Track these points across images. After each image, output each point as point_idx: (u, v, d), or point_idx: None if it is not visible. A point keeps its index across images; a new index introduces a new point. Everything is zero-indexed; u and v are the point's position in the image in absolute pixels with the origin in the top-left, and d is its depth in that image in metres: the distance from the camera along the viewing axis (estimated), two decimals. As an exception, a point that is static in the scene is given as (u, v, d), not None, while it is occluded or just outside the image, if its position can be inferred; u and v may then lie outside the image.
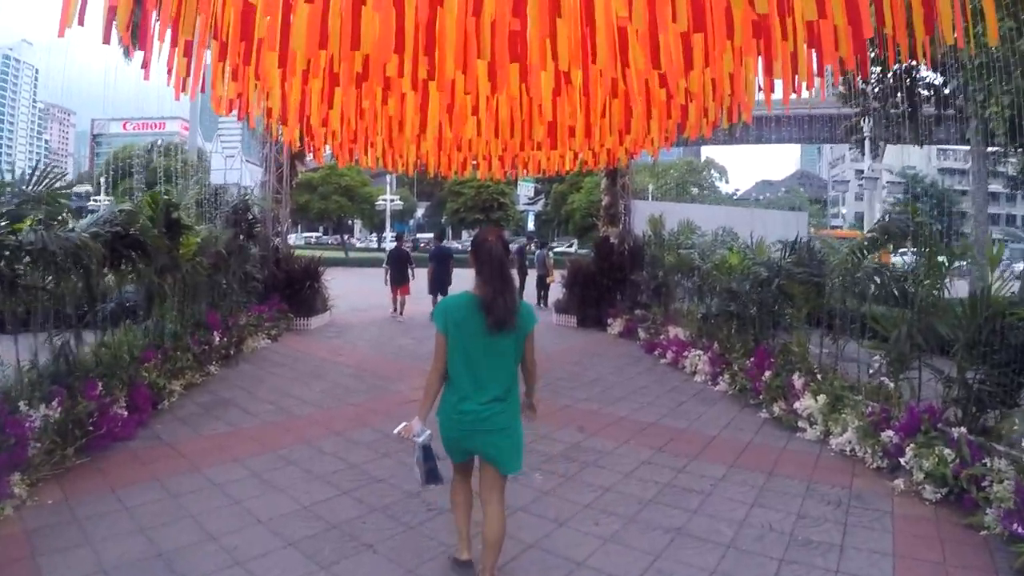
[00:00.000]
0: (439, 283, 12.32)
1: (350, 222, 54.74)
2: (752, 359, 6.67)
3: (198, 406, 5.84)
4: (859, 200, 76.54)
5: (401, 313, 12.55)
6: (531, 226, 56.82)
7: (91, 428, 4.44)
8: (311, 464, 4.45)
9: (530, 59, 4.01)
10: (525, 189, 61.26)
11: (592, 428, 5.52)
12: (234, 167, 36.67)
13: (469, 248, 2.94)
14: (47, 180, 4.49)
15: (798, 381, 5.78)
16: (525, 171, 11.23)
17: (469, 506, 3.02)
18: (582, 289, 11.91)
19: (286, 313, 10.28)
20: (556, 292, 14.23)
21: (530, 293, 15.60)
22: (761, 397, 6.14)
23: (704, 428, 5.61)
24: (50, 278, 4.62)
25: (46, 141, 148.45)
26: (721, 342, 7.62)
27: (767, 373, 6.26)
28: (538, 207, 60.87)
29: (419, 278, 12.88)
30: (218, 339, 7.30)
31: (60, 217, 4.76)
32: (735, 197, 73.06)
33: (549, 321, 12.52)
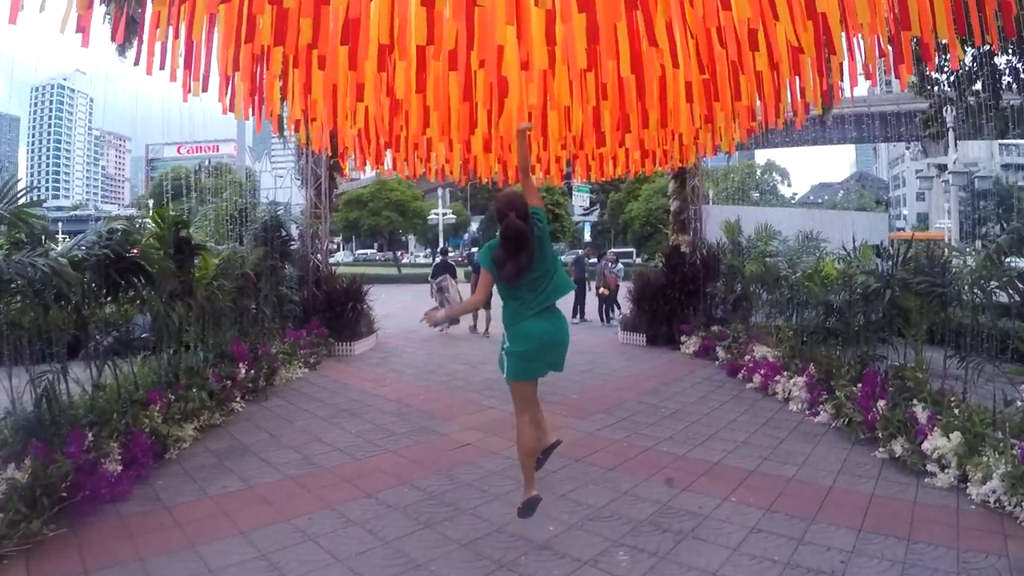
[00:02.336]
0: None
1: (404, 237, 55.29)
2: (859, 385, 5.69)
3: (212, 455, 5.11)
4: (920, 200, 72.72)
5: (449, 327, 12.61)
6: (587, 236, 56.24)
7: (65, 494, 3.73)
8: (333, 540, 3.58)
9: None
10: (580, 199, 60.98)
11: (683, 480, 4.48)
12: (283, 186, 37.42)
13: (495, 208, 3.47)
14: (7, 197, 3.86)
15: (922, 414, 4.82)
16: (587, 175, 10.32)
17: (535, 446, 3.62)
18: (651, 304, 10.91)
19: (326, 338, 9.62)
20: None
21: (590, 309, 14.62)
22: (876, 432, 5.15)
23: (815, 475, 4.58)
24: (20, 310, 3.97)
25: (103, 167, 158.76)
26: (819, 364, 6.63)
27: (881, 403, 5.25)
28: (594, 217, 60.24)
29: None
30: (244, 372, 6.63)
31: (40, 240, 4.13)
32: (793, 201, 70.25)
33: (615, 340, 11.51)
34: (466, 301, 3.41)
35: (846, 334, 6.85)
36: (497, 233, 3.37)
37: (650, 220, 35.60)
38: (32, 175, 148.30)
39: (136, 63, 4.39)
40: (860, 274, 6.90)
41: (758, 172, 65.00)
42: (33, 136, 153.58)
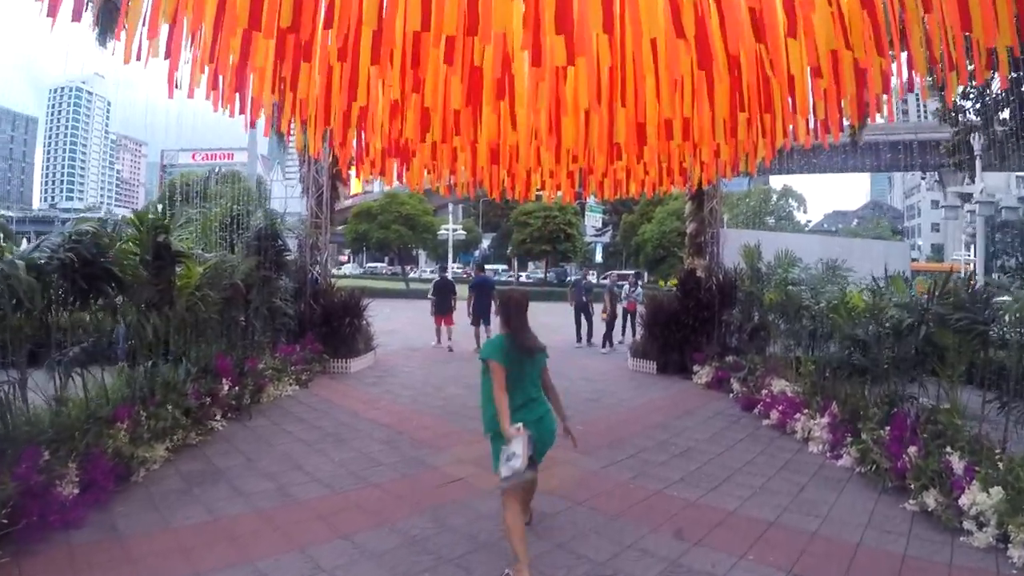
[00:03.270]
0: (481, 312, 12.54)
1: (414, 252, 55.25)
2: (887, 428, 5.32)
3: (181, 478, 4.77)
4: (935, 231, 72.09)
5: (450, 339, 12.94)
6: (599, 257, 55.70)
7: (7, 520, 3.40)
8: (296, 590, 3.23)
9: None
10: (592, 220, 60.78)
11: (694, 531, 4.09)
12: (294, 196, 37.40)
13: (499, 302, 4.01)
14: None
15: (959, 464, 4.46)
16: (601, 193, 9.99)
17: (524, 522, 3.68)
18: (663, 330, 10.50)
19: (320, 354, 9.30)
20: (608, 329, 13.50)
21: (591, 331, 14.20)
22: (906, 482, 4.76)
23: (841, 530, 4.18)
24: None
25: (118, 171, 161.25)
26: (842, 403, 6.24)
27: (912, 449, 4.89)
28: (606, 238, 59.82)
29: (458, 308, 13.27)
30: (227, 388, 6.31)
31: None
32: (807, 228, 69.89)
33: (623, 367, 11.10)
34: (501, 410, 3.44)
35: (874, 371, 6.47)
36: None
37: (663, 243, 35.22)
38: (47, 176, 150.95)
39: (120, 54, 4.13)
40: (892, 307, 6.55)
41: (774, 197, 64.60)
42: (50, 137, 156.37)
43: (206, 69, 4.23)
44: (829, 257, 9.70)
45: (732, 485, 5.05)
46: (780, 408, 6.95)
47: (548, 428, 3.73)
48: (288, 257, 8.96)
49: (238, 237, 7.87)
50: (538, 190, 9.54)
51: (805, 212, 66.94)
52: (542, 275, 55.27)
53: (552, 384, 3.90)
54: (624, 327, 13.78)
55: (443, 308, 13.07)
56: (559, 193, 9.58)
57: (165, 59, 4.06)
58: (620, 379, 10.03)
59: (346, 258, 73.80)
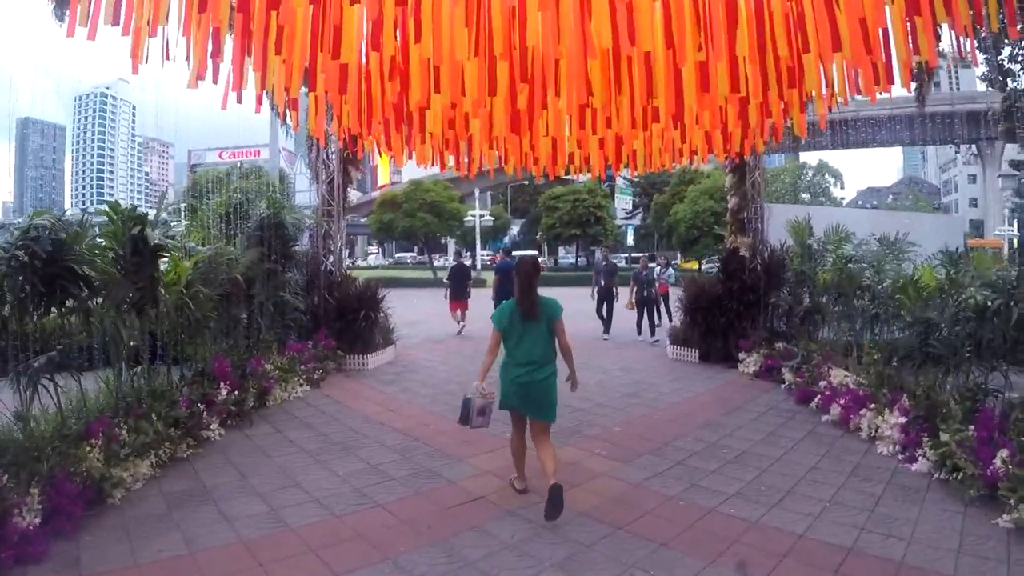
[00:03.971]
0: (504, 296, 12.05)
1: (443, 240, 54.98)
2: (972, 427, 4.62)
3: (164, 500, 4.27)
4: (972, 207, 68.98)
5: (462, 322, 13.27)
6: (630, 240, 54.78)
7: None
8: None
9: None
10: (622, 202, 59.80)
11: (760, 564, 3.42)
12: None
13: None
14: None
15: None
16: (632, 166, 9.20)
17: (523, 451, 4.45)
18: (705, 315, 9.78)
19: (334, 351, 8.80)
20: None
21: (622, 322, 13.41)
22: (998, 491, 4.06)
23: (931, 557, 3.49)
24: None
25: (146, 173, 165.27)
26: (915, 397, 5.52)
27: (1003, 453, 4.19)
28: (636, 221, 58.77)
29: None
30: (225, 393, 5.82)
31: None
32: (843, 206, 67.84)
33: (663, 355, 10.40)
34: (483, 367, 4.35)
35: (953, 359, 5.70)
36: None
37: (696, 223, 34.26)
38: (77, 181, 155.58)
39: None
40: (975, 286, 5.75)
41: (809, 173, 62.80)
42: (78, 144, 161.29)
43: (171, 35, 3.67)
44: (879, 232, 8.92)
45: (797, 499, 4.36)
46: (841, 402, 6.25)
47: (540, 394, 4.20)
48: (295, 248, 8.44)
49: (238, 228, 7.37)
50: (566, 167, 8.81)
51: (842, 188, 64.94)
52: (573, 260, 54.66)
53: (567, 344, 4.30)
54: (655, 312, 12.65)
55: (459, 294, 13.34)
56: (584, 180, 8.86)
57: (115, 26, 3.53)
58: (660, 369, 9.34)
59: (375, 249, 74.00)
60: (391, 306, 10.44)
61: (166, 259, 5.38)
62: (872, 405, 5.88)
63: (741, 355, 9.09)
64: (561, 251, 61.22)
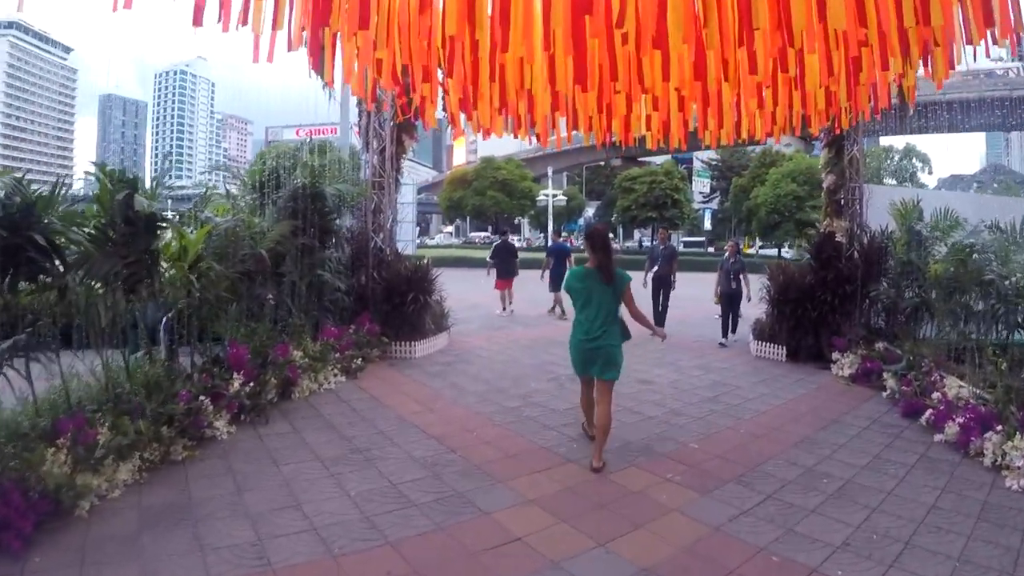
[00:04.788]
0: (558, 278, 12.28)
1: (516, 220, 54.59)
2: None
3: (139, 515, 3.62)
4: None
5: (506, 308, 13.12)
6: (707, 224, 53.45)
7: None
8: None
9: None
10: (700, 185, 58.08)
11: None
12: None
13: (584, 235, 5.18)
14: None
15: None
16: (713, 138, 7.94)
17: (592, 407, 4.82)
18: (794, 308, 8.65)
19: (378, 337, 8.12)
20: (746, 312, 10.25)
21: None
22: None
23: None
24: None
25: (225, 149, 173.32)
26: None
27: None
28: (713, 204, 56.84)
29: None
30: (238, 384, 5.18)
31: None
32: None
33: (745, 351, 9.37)
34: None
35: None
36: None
37: (777, 207, 32.57)
38: (157, 156, 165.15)
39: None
40: None
41: (895, 157, 58.89)
42: (158, 120, 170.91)
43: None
44: (987, 219, 7.69)
45: (919, 555, 3.35)
46: (960, 421, 5.16)
47: (605, 357, 4.53)
48: (335, 221, 7.76)
49: (268, 199, 6.73)
50: (641, 133, 7.68)
51: (930, 173, 60.63)
52: (649, 243, 53.33)
53: (637, 310, 4.77)
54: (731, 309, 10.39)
55: (504, 272, 13.20)
56: (661, 162, 7.71)
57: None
58: (742, 369, 8.25)
59: (450, 228, 74.46)
60: (450, 287, 9.75)
61: (166, 230, 4.74)
62: (1000, 427, 4.81)
63: (835, 355, 8.03)
64: (637, 234, 60.27)
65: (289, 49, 4.70)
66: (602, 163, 69.85)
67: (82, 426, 3.88)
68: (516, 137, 7.60)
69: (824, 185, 9.64)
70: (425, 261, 9.38)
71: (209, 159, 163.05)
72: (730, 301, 10.17)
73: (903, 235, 8.35)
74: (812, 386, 7.32)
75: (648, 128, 7.20)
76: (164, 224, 4.65)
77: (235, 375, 5.21)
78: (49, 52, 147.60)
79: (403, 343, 8.53)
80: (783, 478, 4.41)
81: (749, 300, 9.95)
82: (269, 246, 5.95)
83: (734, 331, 10.19)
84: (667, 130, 7.16)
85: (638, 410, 6.10)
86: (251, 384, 5.30)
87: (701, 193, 57.21)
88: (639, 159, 64.78)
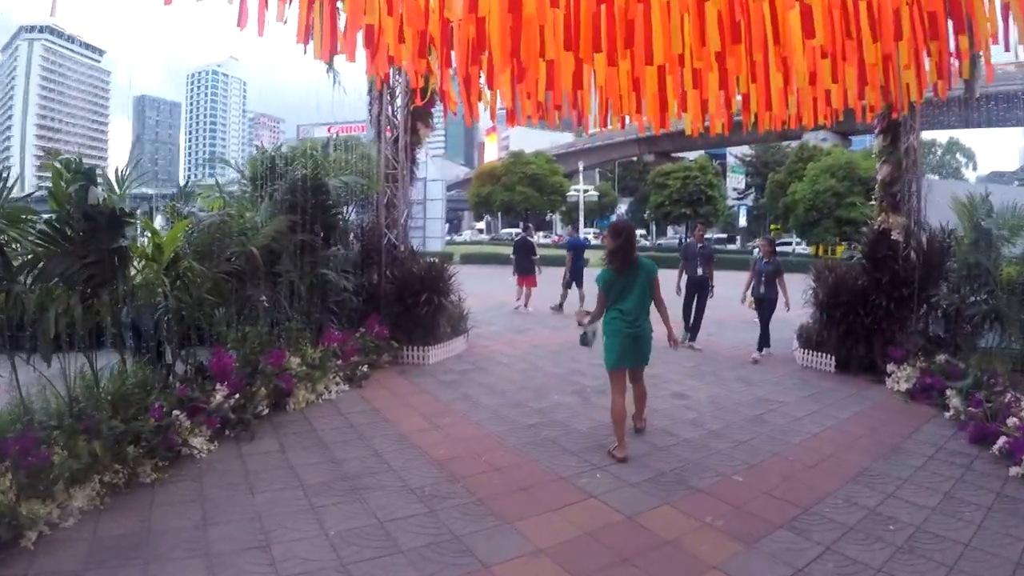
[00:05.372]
0: (578, 273, 12.90)
1: (548, 217, 54.22)
2: None
3: (88, 549, 3.21)
4: None
5: (527, 306, 13.21)
6: (742, 221, 52.65)
7: None
8: None
9: None
10: (734, 181, 56.98)
11: None
12: (419, 160, 37.01)
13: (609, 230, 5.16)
14: None
15: None
16: (760, 120, 7.23)
17: (625, 417, 4.93)
18: (845, 313, 7.92)
19: (388, 341, 7.65)
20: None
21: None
22: None
23: None
24: None
25: (257, 147, 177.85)
26: None
27: None
28: (748, 201, 55.81)
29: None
30: (222, 397, 4.75)
31: None
32: None
33: (790, 360, 8.72)
34: (592, 317, 4.99)
35: None
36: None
37: (816, 204, 31.73)
38: (190, 155, 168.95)
39: None
40: None
41: (938, 152, 57.00)
42: (191, 120, 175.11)
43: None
44: None
45: None
46: None
47: (645, 343, 4.92)
48: (340, 216, 7.30)
49: (264, 191, 6.29)
50: (676, 113, 7.02)
51: (974, 169, 58.71)
52: (680, 239, 52.59)
53: (661, 299, 5.07)
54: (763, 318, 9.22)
55: (522, 268, 13.44)
56: (695, 157, 7.05)
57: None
58: (788, 382, 7.57)
59: (481, 224, 74.28)
60: (475, 285, 9.24)
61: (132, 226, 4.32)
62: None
63: (890, 367, 7.30)
64: (670, 231, 59.78)
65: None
66: (634, 159, 69.26)
67: (30, 447, 3.46)
68: (537, 122, 7.03)
69: (878, 177, 8.82)
70: (437, 260, 8.87)
71: (242, 157, 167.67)
72: (761, 308, 9.07)
73: (968, 233, 7.61)
74: (866, 403, 6.64)
75: (684, 109, 6.55)
76: (131, 220, 4.21)
77: (218, 386, 4.77)
78: (82, 55, 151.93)
79: (415, 348, 8.05)
80: (842, 523, 3.79)
81: (788, 309, 8.93)
82: (263, 243, 5.51)
83: (767, 343, 9.06)
84: (707, 110, 6.50)
85: (673, 431, 5.52)
86: (236, 396, 4.86)
87: (735, 189, 56.52)
88: (672, 154, 63.88)
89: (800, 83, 5.73)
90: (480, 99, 5.76)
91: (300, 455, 4.60)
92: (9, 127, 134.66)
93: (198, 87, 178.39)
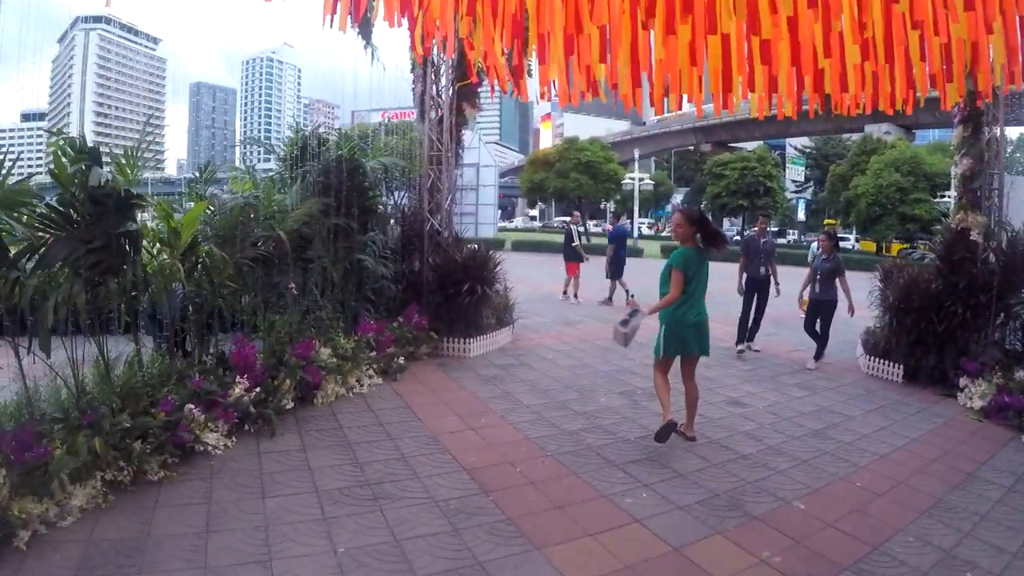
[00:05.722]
0: (619, 264, 12.83)
1: (602, 205, 53.59)
2: None
3: (81, 553, 3.01)
4: None
5: (575, 295, 13.05)
6: (801, 215, 51.06)
7: None
8: None
9: None
10: (793, 173, 55.01)
11: None
12: (471, 146, 36.83)
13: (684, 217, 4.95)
14: None
15: None
16: (838, 101, 6.54)
17: (669, 387, 4.91)
18: (916, 319, 7.24)
19: (426, 332, 7.35)
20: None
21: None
22: None
23: None
24: None
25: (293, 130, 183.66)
26: None
27: None
28: (807, 195, 53.93)
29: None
30: (241, 390, 4.50)
31: None
32: None
33: (854, 368, 8.06)
34: (664, 302, 4.74)
35: None
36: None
37: (879, 199, 30.41)
38: (246, 142, 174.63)
39: None
40: None
41: (1008, 148, 53.62)
42: (246, 106, 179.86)
43: None
44: None
45: None
46: None
47: (707, 330, 4.91)
48: (375, 199, 7.00)
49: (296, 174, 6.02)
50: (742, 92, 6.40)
51: None
52: (737, 233, 51.38)
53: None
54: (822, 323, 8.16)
55: (566, 256, 13.38)
56: (754, 147, 6.44)
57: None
58: (852, 391, 6.98)
59: (535, 212, 74.07)
60: (525, 273, 8.87)
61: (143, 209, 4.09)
62: None
63: (962, 380, 6.66)
64: (726, 223, 58.70)
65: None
66: (691, 148, 67.80)
67: (29, 442, 3.26)
68: (591, 98, 6.53)
69: (957, 170, 8.05)
70: (481, 247, 8.49)
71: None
72: (817, 312, 8.07)
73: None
74: (937, 420, 6.00)
75: (751, 87, 5.93)
76: (141, 202, 3.96)
77: (238, 378, 4.52)
78: (137, 43, 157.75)
79: (456, 340, 7.73)
80: (915, 567, 3.25)
81: (852, 313, 7.88)
82: (292, 227, 5.23)
83: (821, 351, 8.13)
84: (776, 88, 5.87)
85: (729, 444, 5.02)
86: (257, 389, 4.60)
87: (794, 181, 54.77)
88: (730, 144, 62.11)
89: (881, 60, 5.07)
90: (527, 75, 5.33)
91: (321, 455, 4.31)
92: (68, 114, 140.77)
93: (253, 73, 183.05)
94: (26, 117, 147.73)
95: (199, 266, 4.47)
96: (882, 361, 7.68)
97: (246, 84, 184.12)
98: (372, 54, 7.06)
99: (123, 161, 3.90)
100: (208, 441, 4.14)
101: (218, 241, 4.55)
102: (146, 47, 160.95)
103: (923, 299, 7.26)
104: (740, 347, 8.56)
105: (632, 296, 11.86)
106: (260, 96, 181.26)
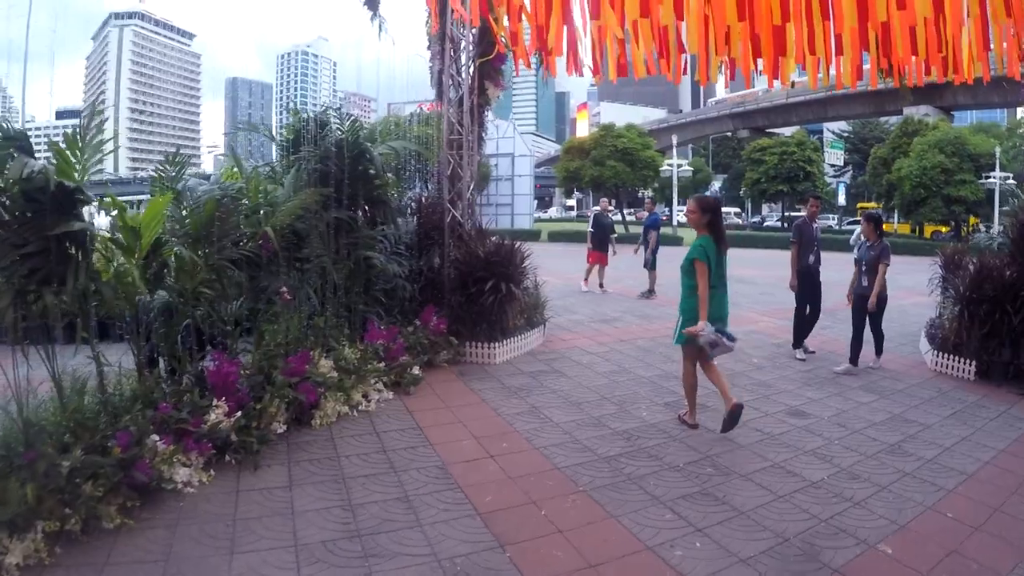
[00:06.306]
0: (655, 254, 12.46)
1: (640, 194, 52.60)
2: None
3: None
4: None
5: (601, 285, 12.85)
6: (841, 199, 49.93)
7: None
8: None
9: None
10: (832, 157, 53.67)
11: None
12: (506, 135, 36.17)
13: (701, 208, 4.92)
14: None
15: None
16: (904, 69, 5.63)
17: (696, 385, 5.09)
18: (989, 309, 6.68)
19: (445, 336, 6.73)
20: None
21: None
22: None
23: None
24: None
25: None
26: None
27: None
28: (846, 178, 55.63)
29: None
30: (219, 415, 3.93)
31: None
32: None
33: (921, 366, 7.35)
34: (700, 302, 4.70)
35: None
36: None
37: (923, 181, 30.53)
38: (282, 136, 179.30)
39: None
40: None
41: None
42: (282, 100, 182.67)
43: None
44: None
45: None
46: None
47: (727, 312, 5.01)
48: (384, 189, 6.37)
49: (288, 159, 5.43)
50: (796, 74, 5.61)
51: None
52: (777, 220, 50.33)
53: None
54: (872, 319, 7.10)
55: (598, 245, 12.95)
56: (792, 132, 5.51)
57: None
58: (924, 394, 6.24)
59: (572, 201, 73.42)
60: (560, 266, 8.22)
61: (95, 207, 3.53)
62: None
63: None
64: (765, 209, 57.75)
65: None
66: (728, 134, 67.02)
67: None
68: (627, 73, 5.79)
69: None
70: (507, 239, 7.80)
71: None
72: (863, 308, 6.96)
73: None
74: (1019, 427, 5.24)
75: (811, 50, 5.09)
76: (84, 198, 3.38)
77: (216, 402, 3.95)
78: (172, 39, 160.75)
79: (479, 345, 7.09)
80: None
81: (873, 308, 6.82)
82: (283, 222, 4.64)
83: (878, 353, 7.18)
84: (828, 60, 5.01)
85: (794, 469, 4.28)
86: (238, 414, 4.02)
87: (832, 166, 54.18)
88: (767, 129, 61.12)
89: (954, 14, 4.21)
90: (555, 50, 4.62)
91: (308, 495, 3.71)
92: (103, 111, 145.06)
93: (288, 68, 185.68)
94: (60, 115, 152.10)
95: (166, 271, 3.91)
96: (952, 357, 6.98)
97: (282, 78, 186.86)
98: (380, 26, 6.45)
99: (68, 152, 3.33)
100: (177, 479, 3.57)
101: (189, 241, 3.98)
102: (180, 42, 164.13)
103: (996, 288, 6.68)
104: (800, 354, 7.54)
105: (650, 294, 12.05)
106: (296, 90, 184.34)
